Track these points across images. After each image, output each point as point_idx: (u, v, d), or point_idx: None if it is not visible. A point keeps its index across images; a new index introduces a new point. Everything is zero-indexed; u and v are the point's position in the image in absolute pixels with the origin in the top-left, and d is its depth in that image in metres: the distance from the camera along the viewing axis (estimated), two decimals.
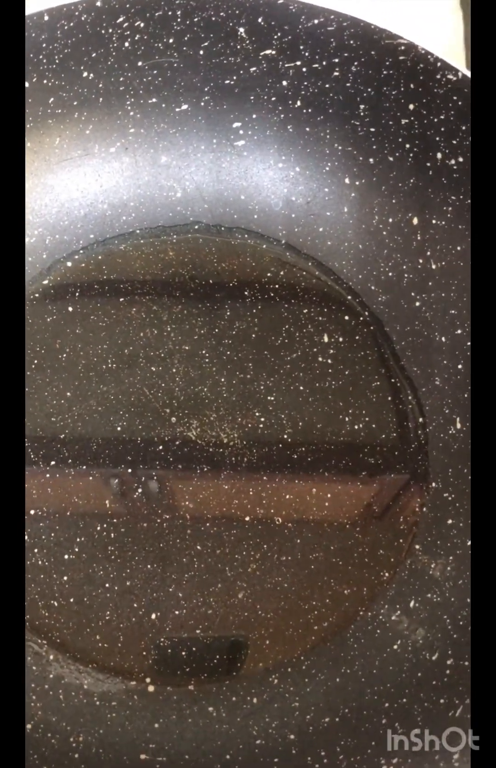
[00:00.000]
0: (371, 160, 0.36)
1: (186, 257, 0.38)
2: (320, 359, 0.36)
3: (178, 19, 0.35)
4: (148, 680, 0.32)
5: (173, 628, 0.33)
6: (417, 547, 0.34)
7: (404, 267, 0.36)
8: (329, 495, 0.34)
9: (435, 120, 0.33)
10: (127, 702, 0.32)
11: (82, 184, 0.38)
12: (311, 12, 0.34)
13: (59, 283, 0.38)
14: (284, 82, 0.36)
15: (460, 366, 0.35)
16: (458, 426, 0.35)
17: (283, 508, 0.34)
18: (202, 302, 0.37)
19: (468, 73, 0.32)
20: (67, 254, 0.38)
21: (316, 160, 0.37)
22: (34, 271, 0.38)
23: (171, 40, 0.35)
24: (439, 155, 0.34)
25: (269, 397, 0.36)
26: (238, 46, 0.35)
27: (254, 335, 0.37)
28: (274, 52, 0.35)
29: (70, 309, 0.37)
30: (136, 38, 0.35)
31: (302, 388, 0.36)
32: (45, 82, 0.35)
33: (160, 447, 0.35)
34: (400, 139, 0.35)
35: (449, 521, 0.34)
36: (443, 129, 0.33)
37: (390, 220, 0.36)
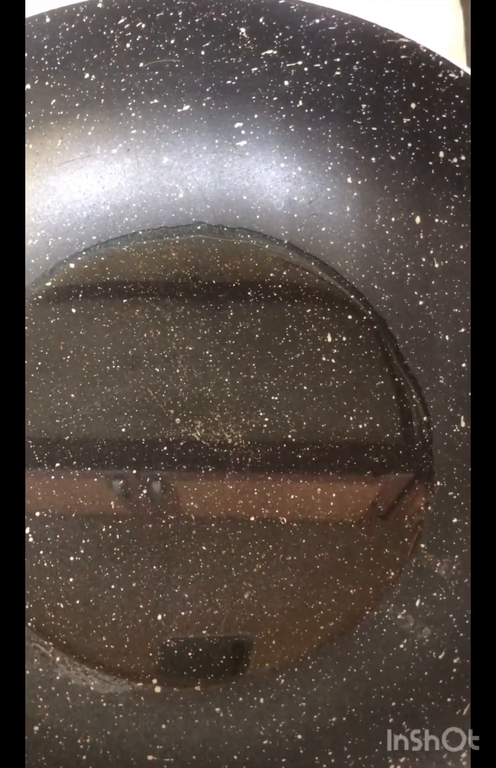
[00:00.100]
0: (373, 159, 0.36)
1: (189, 258, 0.38)
2: (324, 359, 0.36)
3: (180, 20, 0.35)
4: (154, 681, 0.32)
5: (179, 629, 0.33)
6: (422, 546, 0.34)
7: (407, 266, 0.36)
8: (333, 494, 0.34)
9: (437, 119, 0.33)
10: (134, 703, 0.32)
11: (85, 185, 0.38)
12: (312, 12, 0.34)
13: (62, 285, 0.38)
14: (286, 82, 0.36)
15: (463, 364, 0.35)
16: (462, 424, 0.35)
17: (288, 508, 0.34)
18: (205, 303, 0.37)
19: (469, 71, 0.32)
20: (69, 256, 0.38)
21: (318, 160, 0.37)
22: (37, 273, 0.38)
23: (172, 41, 0.35)
24: (441, 154, 0.34)
25: (272, 397, 0.36)
26: (240, 47, 0.35)
27: (257, 335, 0.37)
28: (275, 52, 0.35)
29: (74, 310, 0.37)
30: (137, 39, 0.35)
31: (305, 387, 0.36)
32: (47, 83, 0.35)
33: (165, 448, 0.35)
34: (402, 138, 0.35)
35: (454, 520, 0.34)
36: (445, 127, 0.33)
37: (393, 219, 0.36)
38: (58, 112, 0.36)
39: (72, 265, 0.38)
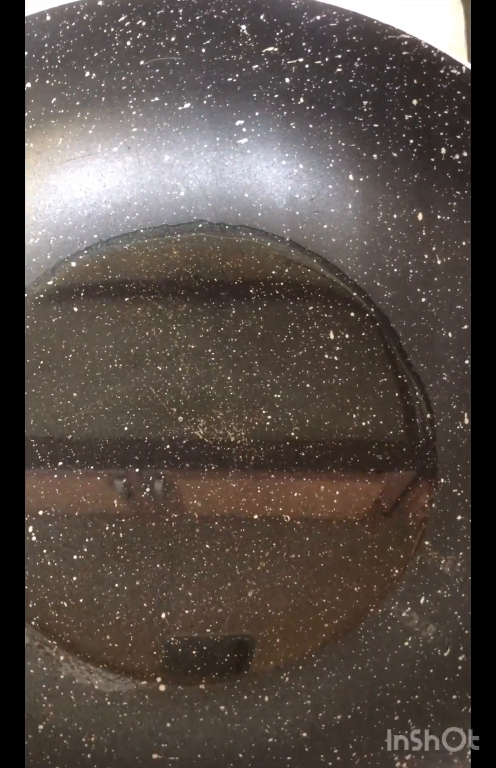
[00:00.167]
0: (375, 156, 0.36)
1: (190, 256, 0.38)
2: (327, 356, 0.36)
3: (180, 18, 0.35)
4: (158, 680, 0.32)
5: (183, 628, 0.33)
6: (426, 543, 0.34)
7: (410, 263, 0.36)
8: (337, 492, 0.34)
9: (439, 115, 0.33)
10: (139, 702, 0.32)
11: (86, 184, 0.38)
12: (313, 8, 0.33)
13: (64, 284, 0.37)
14: (287, 79, 0.36)
15: (466, 361, 0.35)
16: (466, 421, 0.34)
17: (291, 506, 0.34)
18: (207, 301, 0.37)
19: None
20: (71, 255, 0.38)
21: (319, 157, 0.37)
22: (38, 272, 0.38)
23: (173, 39, 0.35)
24: (443, 150, 0.34)
25: (275, 395, 0.36)
26: (241, 44, 0.35)
27: (259, 333, 0.37)
28: (276, 49, 0.35)
29: (75, 309, 0.37)
30: (137, 37, 0.35)
31: (308, 385, 0.36)
32: (47, 82, 0.35)
33: (168, 446, 0.35)
34: (404, 135, 0.35)
35: (458, 517, 0.34)
36: (446, 124, 0.33)
37: (395, 216, 0.36)
38: (58, 111, 0.36)
39: (73, 264, 0.38)
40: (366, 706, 0.31)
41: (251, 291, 0.37)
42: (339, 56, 0.34)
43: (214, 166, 0.38)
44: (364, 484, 0.35)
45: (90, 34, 0.35)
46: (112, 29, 0.35)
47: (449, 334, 0.35)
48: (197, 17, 0.35)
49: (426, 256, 0.36)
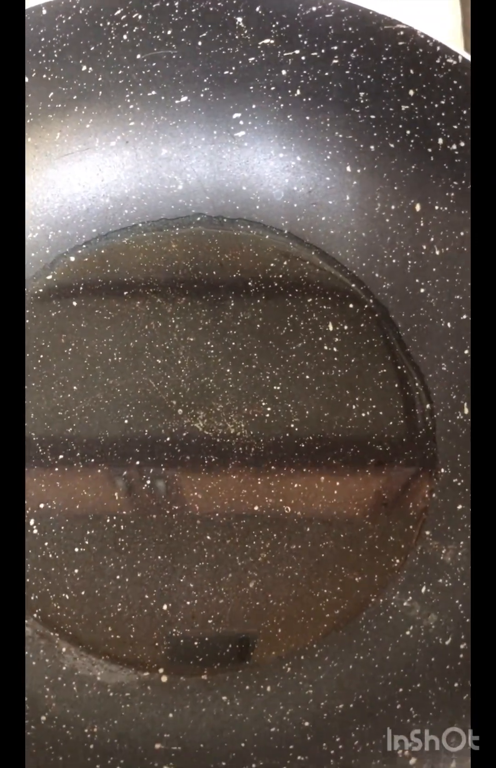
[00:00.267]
0: (372, 147, 0.36)
1: (189, 249, 0.38)
2: (326, 348, 0.36)
3: (176, 11, 0.35)
4: (161, 671, 0.32)
5: (185, 619, 0.33)
6: (427, 533, 0.34)
7: (408, 254, 0.36)
8: (337, 483, 0.34)
9: (436, 105, 0.33)
10: (141, 693, 0.32)
11: (84, 178, 0.38)
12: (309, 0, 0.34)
13: (63, 278, 0.38)
14: (283, 72, 0.36)
15: (466, 351, 0.35)
16: (466, 411, 0.34)
17: (292, 498, 0.34)
18: (206, 294, 0.37)
19: (468, 56, 0.32)
20: (70, 249, 0.38)
21: (317, 149, 0.37)
22: (37, 266, 0.38)
23: (169, 32, 0.35)
24: (440, 141, 0.34)
25: (275, 387, 0.36)
26: (237, 36, 0.35)
27: (258, 326, 0.37)
28: (272, 42, 0.35)
29: (75, 303, 0.37)
30: (134, 31, 0.35)
31: (308, 377, 0.36)
32: (44, 76, 0.35)
33: (168, 439, 0.35)
34: (401, 126, 0.35)
35: (459, 507, 0.34)
36: (443, 114, 0.33)
37: (392, 207, 0.36)
38: (56, 105, 0.36)
39: (72, 258, 0.38)
40: (368, 695, 0.31)
41: (250, 284, 0.37)
42: (335, 48, 0.34)
43: (212, 160, 0.38)
44: (364, 475, 0.35)
45: (86, 28, 0.35)
46: (109, 23, 0.35)
47: (448, 325, 0.35)
48: (193, 10, 0.35)
49: (424, 247, 0.36)
